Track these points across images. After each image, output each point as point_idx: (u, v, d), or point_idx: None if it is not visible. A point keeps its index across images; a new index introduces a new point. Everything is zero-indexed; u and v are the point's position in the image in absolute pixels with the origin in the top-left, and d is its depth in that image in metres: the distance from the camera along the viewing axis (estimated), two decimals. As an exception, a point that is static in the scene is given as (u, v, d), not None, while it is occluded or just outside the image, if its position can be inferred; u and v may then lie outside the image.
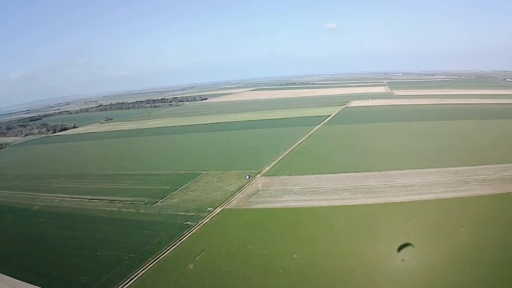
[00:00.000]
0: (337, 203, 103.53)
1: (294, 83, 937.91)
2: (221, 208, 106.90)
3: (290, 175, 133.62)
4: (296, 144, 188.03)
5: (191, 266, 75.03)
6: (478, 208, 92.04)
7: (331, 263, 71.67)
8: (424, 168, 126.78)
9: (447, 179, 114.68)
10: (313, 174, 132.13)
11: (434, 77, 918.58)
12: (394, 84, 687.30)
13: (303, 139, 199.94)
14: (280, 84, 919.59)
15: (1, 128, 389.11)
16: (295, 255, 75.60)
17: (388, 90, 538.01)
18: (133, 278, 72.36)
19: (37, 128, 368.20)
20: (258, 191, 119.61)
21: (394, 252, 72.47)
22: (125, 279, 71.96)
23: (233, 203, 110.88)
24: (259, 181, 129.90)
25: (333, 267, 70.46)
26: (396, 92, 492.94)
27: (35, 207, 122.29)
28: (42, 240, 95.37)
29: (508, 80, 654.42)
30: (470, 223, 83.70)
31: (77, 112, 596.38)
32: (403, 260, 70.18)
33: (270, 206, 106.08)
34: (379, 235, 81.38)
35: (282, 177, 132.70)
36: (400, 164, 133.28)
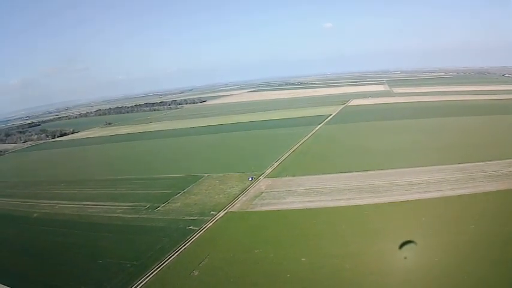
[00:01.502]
0: (343, 203, 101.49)
1: (293, 83, 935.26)
2: (225, 211, 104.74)
3: (294, 176, 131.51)
4: (298, 144, 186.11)
5: (196, 273, 72.86)
6: (486, 205, 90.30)
7: (340, 265, 69.66)
8: (429, 165, 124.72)
9: (453, 176, 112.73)
10: (317, 174, 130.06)
11: (433, 74, 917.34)
12: (393, 82, 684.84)
13: (305, 139, 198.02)
14: (279, 85, 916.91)
15: (0, 134, 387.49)
16: (303, 259, 73.52)
17: (388, 88, 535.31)
18: (137, 286, 70.29)
19: (36, 134, 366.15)
20: (262, 193, 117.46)
21: (404, 252, 70.77)
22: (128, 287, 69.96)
23: (237, 205, 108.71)
24: (263, 183, 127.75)
25: (343, 269, 68.44)
26: (396, 90, 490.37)
27: (35, 215, 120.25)
28: (42, 249, 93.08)
29: (507, 75, 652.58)
30: (479, 220, 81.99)
31: (76, 117, 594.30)
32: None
33: (275, 208, 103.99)
34: (387, 235, 79.34)
35: (285, 178, 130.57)
36: (404, 162, 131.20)
